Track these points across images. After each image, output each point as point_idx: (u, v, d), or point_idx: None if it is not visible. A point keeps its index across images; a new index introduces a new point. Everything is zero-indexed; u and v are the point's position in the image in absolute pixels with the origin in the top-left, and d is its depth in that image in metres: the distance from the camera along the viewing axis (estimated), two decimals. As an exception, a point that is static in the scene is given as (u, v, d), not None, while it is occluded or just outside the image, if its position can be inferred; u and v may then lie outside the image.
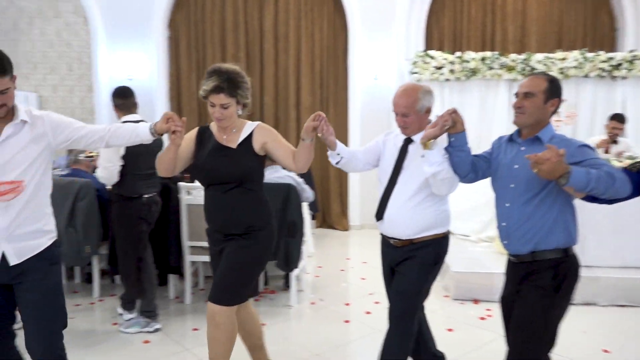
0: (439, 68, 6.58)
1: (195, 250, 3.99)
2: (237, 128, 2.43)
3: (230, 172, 2.36)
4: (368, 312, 3.92)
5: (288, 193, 3.95)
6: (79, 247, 3.98)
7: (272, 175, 4.05)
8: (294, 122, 7.35)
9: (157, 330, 3.56)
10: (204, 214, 2.52)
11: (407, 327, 2.35)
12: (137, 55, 7.20)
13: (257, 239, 2.41)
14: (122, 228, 3.56)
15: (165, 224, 3.97)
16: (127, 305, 3.61)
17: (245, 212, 2.39)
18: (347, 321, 3.80)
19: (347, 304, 4.16)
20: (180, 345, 3.34)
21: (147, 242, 3.68)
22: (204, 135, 2.47)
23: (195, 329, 3.59)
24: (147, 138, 2.21)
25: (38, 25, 7.46)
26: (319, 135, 2.29)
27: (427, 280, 2.38)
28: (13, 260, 2.00)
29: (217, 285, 2.38)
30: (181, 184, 3.95)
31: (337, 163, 2.46)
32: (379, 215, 2.41)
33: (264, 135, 2.42)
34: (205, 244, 3.79)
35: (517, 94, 2.14)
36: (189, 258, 4.00)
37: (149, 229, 3.63)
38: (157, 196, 3.63)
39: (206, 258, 3.98)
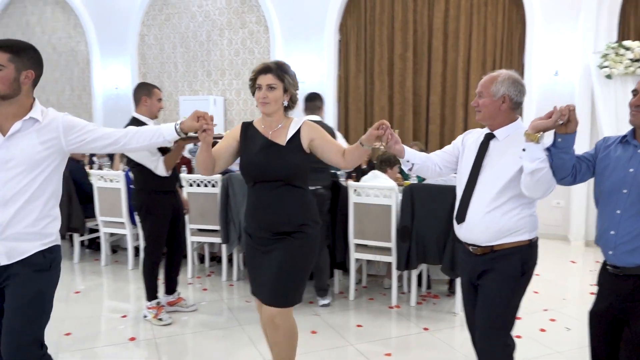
0: (636, 61, 5.75)
1: (360, 248, 4.07)
2: (283, 124, 2.39)
3: (280, 169, 2.32)
4: (542, 330, 3.60)
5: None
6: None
7: (440, 177, 3.95)
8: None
9: (324, 305, 4.02)
10: (250, 211, 2.44)
11: (499, 349, 2.12)
12: (309, 59, 7.62)
13: (309, 238, 2.37)
14: None
15: (334, 220, 4.13)
16: (320, 292, 4.06)
17: (295, 210, 2.36)
18: (518, 336, 3.53)
19: (518, 318, 3.85)
20: (344, 340, 3.44)
21: None
22: (247, 131, 2.43)
23: (359, 325, 3.67)
24: (171, 137, 2.15)
25: (227, 36, 8.33)
26: (382, 145, 2.20)
27: (513, 295, 2.14)
28: (2, 261, 1.93)
29: (274, 287, 2.32)
30: (350, 182, 4.07)
31: (409, 170, 2.37)
32: (460, 217, 2.20)
33: (311, 133, 2.38)
34: (371, 242, 3.98)
35: (635, 91, 1.88)
36: (354, 255, 4.10)
37: None
38: (322, 189, 3.85)
39: (371, 256, 4.05)
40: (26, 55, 1.97)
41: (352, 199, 4.00)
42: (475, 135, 2.29)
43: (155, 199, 3.57)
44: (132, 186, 3.77)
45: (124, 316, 3.87)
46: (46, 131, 1.98)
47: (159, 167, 3.46)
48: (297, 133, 2.37)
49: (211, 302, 4.18)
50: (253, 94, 2.37)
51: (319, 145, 2.37)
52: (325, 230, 4.00)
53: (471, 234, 2.17)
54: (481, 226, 2.12)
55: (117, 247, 5.71)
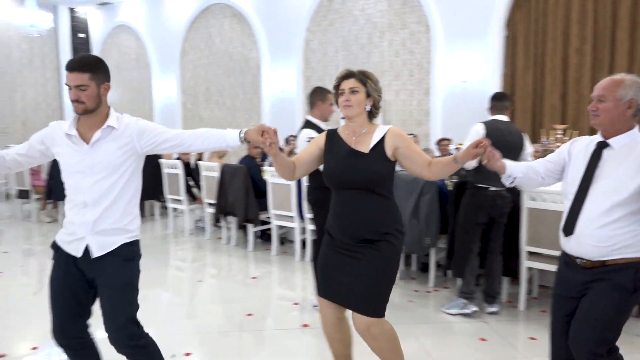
0: None
1: (533, 256, 3.84)
2: (368, 130, 2.36)
3: (363, 177, 2.29)
4: None
5: None
6: (420, 237, 4.35)
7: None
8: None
9: (474, 312, 3.80)
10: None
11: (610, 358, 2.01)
12: (472, 57, 7.37)
13: (392, 246, 2.33)
14: (461, 215, 3.89)
15: (509, 225, 3.96)
16: (488, 299, 3.89)
17: (379, 218, 2.32)
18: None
19: None
20: (516, 350, 3.28)
21: (479, 236, 3.84)
22: (332, 139, 2.43)
23: (533, 338, 3.46)
24: (234, 144, 2.20)
25: (387, 38, 8.44)
26: (484, 162, 2.17)
27: (622, 308, 2.01)
28: (95, 253, 2.17)
29: (367, 297, 2.30)
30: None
31: (510, 184, 2.30)
32: (569, 229, 2.08)
33: (396, 140, 2.32)
34: (547, 251, 3.73)
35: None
36: (526, 263, 3.88)
37: (487, 222, 3.80)
38: (505, 191, 3.71)
39: (544, 266, 3.80)
40: (101, 70, 2.14)
41: (526, 203, 3.78)
42: (583, 144, 2.17)
43: (328, 196, 3.77)
44: (307, 184, 4.02)
45: (296, 304, 4.16)
46: (122, 137, 2.17)
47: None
48: (382, 140, 2.33)
49: (374, 298, 4.28)
50: (337, 102, 2.41)
51: (404, 154, 2.33)
52: (501, 235, 3.88)
53: (580, 247, 2.07)
54: (592, 240, 2.02)
55: (284, 238, 6.15)
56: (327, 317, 2.46)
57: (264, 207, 5.63)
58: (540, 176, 2.29)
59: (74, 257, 2.20)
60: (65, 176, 2.21)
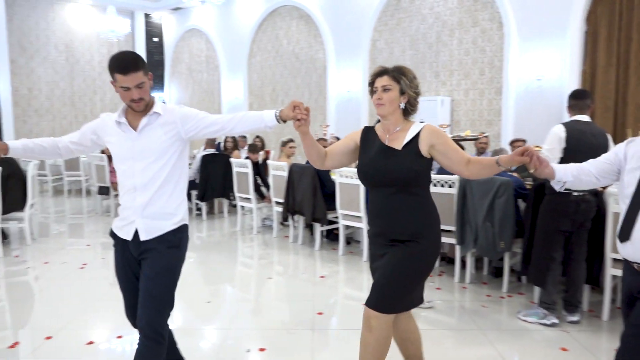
0: None
1: (619, 263, 3.61)
2: (402, 127, 2.31)
3: (395, 174, 2.24)
4: None
5: None
6: (494, 241, 4.21)
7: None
8: None
9: (554, 324, 3.59)
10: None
11: None
12: (548, 54, 7.05)
13: (421, 247, 2.26)
14: (542, 221, 3.70)
15: (592, 230, 3.75)
16: (569, 307, 3.71)
17: (410, 218, 2.26)
18: None
19: None
20: (601, 363, 3.10)
21: (561, 244, 3.65)
22: (367, 135, 2.39)
23: (619, 351, 3.26)
24: (272, 124, 2.21)
25: (457, 36, 8.24)
26: (531, 170, 2.12)
27: None
28: (143, 236, 2.24)
29: (377, 290, 2.29)
30: (610, 190, 3.64)
31: (560, 188, 2.23)
32: (624, 235, 2.01)
33: (431, 137, 2.26)
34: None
35: None
36: (610, 271, 3.66)
37: (571, 229, 3.60)
38: (588, 195, 3.53)
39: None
40: (145, 63, 2.20)
41: (612, 208, 3.57)
42: (638, 145, 2.07)
43: None
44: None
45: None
46: (167, 122, 2.25)
47: None
48: (416, 137, 2.27)
49: (445, 302, 4.19)
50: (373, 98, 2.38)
51: (440, 152, 2.26)
52: (585, 241, 3.68)
53: (637, 253, 1.99)
54: None
55: (350, 238, 6.14)
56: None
57: (331, 207, 5.65)
58: (594, 177, 2.21)
59: (126, 242, 2.29)
60: (117, 163, 2.31)
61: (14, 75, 11.76)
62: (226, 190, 7.66)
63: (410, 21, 8.83)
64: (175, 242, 2.28)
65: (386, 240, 2.32)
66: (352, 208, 5.37)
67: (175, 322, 3.80)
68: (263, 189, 6.92)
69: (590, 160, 2.25)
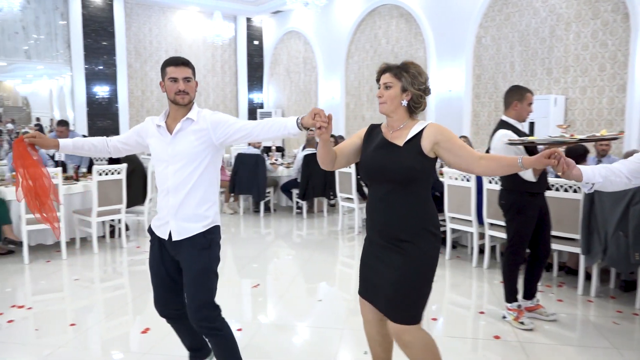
0: None
1: None
2: (406, 125, 2.25)
3: (392, 170, 2.17)
4: None
5: None
6: (626, 252, 3.83)
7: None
8: None
9: None
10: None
11: None
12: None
13: (420, 250, 2.18)
14: None
15: None
16: None
17: (407, 217, 2.18)
18: None
19: None
20: None
21: None
22: (372, 132, 2.36)
23: None
24: (294, 131, 2.23)
25: (574, 29, 7.67)
26: (559, 173, 2.08)
27: None
28: (175, 237, 2.38)
29: (398, 305, 2.19)
30: None
31: (589, 190, 2.20)
32: None
33: (435, 135, 2.17)
34: None
35: None
36: None
37: None
38: None
39: None
40: (194, 68, 2.41)
41: None
42: None
43: (527, 200, 3.51)
44: (500, 187, 3.79)
45: (482, 312, 3.96)
46: (200, 129, 2.36)
47: (527, 174, 3.39)
48: (419, 134, 2.20)
49: (569, 315, 3.89)
50: None
51: (446, 149, 2.18)
52: None
53: None
54: None
55: (456, 243, 5.93)
56: (367, 318, 2.44)
57: (438, 209, 5.48)
58: (625, 177, 2.19)
59: (163, 240, 2.44)
60: (155, 165, 2.46)
61: (130, 79, 12.72)
62: (327, 190, 7.72)
63: (521, 15, 8.36)
64: (205, 244, 2.39)
65: (384, 239, 2.25)
66: (461, 211, 5.17)
67: (280, 317, 3.88)
68: (365, 189, 6.89)
69: (621, 160, 2.24)
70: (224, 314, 2.47)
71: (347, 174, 6.67)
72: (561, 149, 2.14)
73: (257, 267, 5.35)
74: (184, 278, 2.42)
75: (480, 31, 8.98)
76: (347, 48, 11.79)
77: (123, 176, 5.73)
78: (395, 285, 2.20)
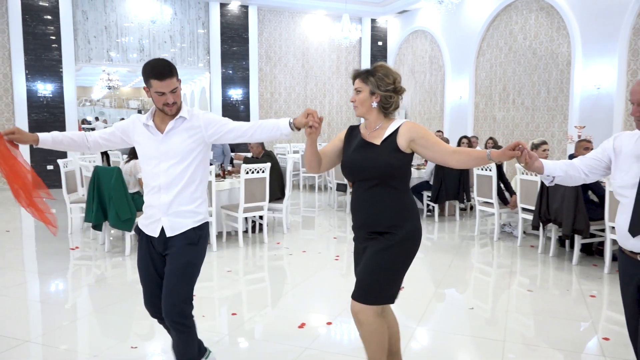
0: None
1: None
2: (382, 125, 2.39)
3: (371, 168, 2.33)
4: None
5: None
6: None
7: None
8: None
9: None
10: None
11: None
12: None
13: (396, 238, 2.33)
14: None
15: None
16: None
17: (388, 211, 2.34)
18: None
19: None
20: None
21: None
22: (351, 133, 2.50)
23: None
24: (287, 131, 2.32)
25: None
26: (522, 164, 2.21)
27: None
28: (168, 233, 2.41)
29: (361, 283, 2.36)
30: None
31: (550, 183, 2.34)
32: (637, 229, 2.02)
33: (410, 132, 2.34)
34: None
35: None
36: None
37: None
38: None
39: None
40: (176, 70, 2.37)
41: None
42: (628, 140, 2.17)
43: None
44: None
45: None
46: (192, 127, 2.40)
47: None
48: (395, 133, 2.35)
49: None
50: None
51: (422, 145, 2.34)
52: None
53: None
54: None
55: (616, 255, 5.39)
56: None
57: (597, 216, 5.02)
58: (583, 173, 2.31)
59: (151, 238, 2.47)
60: (143, 163, 2.47)
61: (260, 82, 13.37)
62: (460, 193, 7.46)
63: (690, 2, 7.39)
64: (194, 239, 2.44)
65: (366, 232, 2.40)
66: (625, 221, 4.67)
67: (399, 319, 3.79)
68: (506, 193, 6.54)
69: (580, 157, 2.36)
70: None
71: (487, 177, 6.37)
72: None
73: None
74: (166, 270, 2.43)
75: (639, 22, 8.09)
76: (478, 45, 11.31)
77: (267, 175, 6.00)
78: (367, 265, 2.35)
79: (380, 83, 2.34)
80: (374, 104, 2.38)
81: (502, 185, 6.58)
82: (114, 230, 6.21)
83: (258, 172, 5.93)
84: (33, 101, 10.98)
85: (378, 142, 2.36)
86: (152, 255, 2.50)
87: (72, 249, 5.94)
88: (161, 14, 11.79)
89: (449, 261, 5.52)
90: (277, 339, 3.47)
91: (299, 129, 2.31)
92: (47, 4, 10.95)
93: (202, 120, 2.44)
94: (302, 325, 3.64)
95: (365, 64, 14.53)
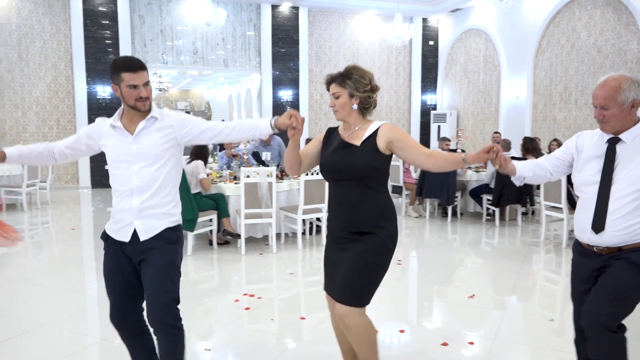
0: None
1: None
2: (362, 127, 2.42)
3: (350, 168, 2.34)
4: None
5: None
6: None
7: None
8: None
9: None
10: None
11: (617, 335, 2.12)
12: None
13: (379, 240, 2.35)
14: None
15: None
16: None
17: (368, 211, 2.36)
18: None
19: None
20: None
21: None
22: (330, 135, 2.52)
23: None
24: (266, 132, 2.28)
25: None
26: (496, 167, 2.30)
27: (638, 287, 2.15)
28: (142, 236, 2.29)
29: (344, 285, 2.35)
30: None
31: (521, 183, 2.47)
32: (600, 226, 2.18)
33: (389, 134, 2.36)
34: None
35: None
36: None
37: None
38: None
39: None
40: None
41: None
42: (589, 139, 2.29)
43: None
44: None
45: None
46: (164, 127, 2.30)
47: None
48: (374, 134, 2.37)
49: None
50: None
51: (399, 147, 2.36)
52: None
53: (600, 238, 2.19)
54: (613, 229, 2.15)
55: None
56: (332, 311, 2.51)
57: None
58: (548, 172, 2.41)
59: (121, 244, 2.33)
60: (111, 166, 2.33)
61: (310, 83, 13.36)
62: (523, 197, 7.17)
63: None
64: (173, 239, 2.33)
65: (346, 232, 2.40)
66: None
67: (445, 325, 3.60)
68: (576, 197, 6.21)
69: (545, 156, 2.46)
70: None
71: (555, 181, 6.07)
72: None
73: (440, 272, 5.13)
74: (146, 274, 2.27)
75: None
76: (537, 44, 10.90)
77: (326, 176, 5.92)
78: (346, 269, 2.35)
79: (358, 85, 2.37)
80: (355, 106, 2.40)
81: (571, 189, 6.27)
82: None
83: (317, 173, 5.87)
84: (93, 103, 11.36)
85: (358, 143, 2.38)
86: (121, 262, 2.35)
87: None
88: (216, 17, 11.96)
89: (517, 268, 5.28)
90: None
91: (279, 130, 2.29)
92: (106, 9, 11.30)
93: (175, 120, 2.34)
94: (445, 344, 3.40)
95: (416, 64, 14.29)
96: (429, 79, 14.54)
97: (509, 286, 4.74)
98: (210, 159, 7.59)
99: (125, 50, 11.40)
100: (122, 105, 2.32)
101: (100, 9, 11.26)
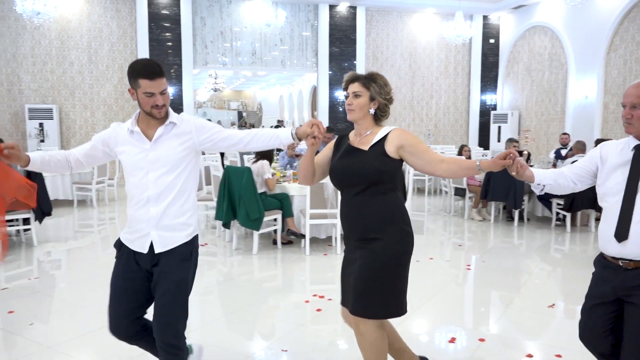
0: None
1: None
2: (372, 132, 2.39)
3: (358, 173, 2.30)
4: None
5: None
6: None
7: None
8: None
9: None
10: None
11: None
12: None
13: (383, 244, 2.28)
14: None
15: None
16: None
17: (375, 216, 2.30)
18: None
19: None
20: None
21: None
22: (340, 142, 2.49)
23: None
24: (287, 141, 2.27)
25: None
26: (513, 174, 2.24)
27: None
28: (158, 249, 2.24)
29: (354, 295, 2.30)
30: None
31: (540, 191, 2.37)
32: (623, 235, 2.08)
33: (399, 139, 2.32)
34: None
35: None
36: None
37: None
38: None
39: None
40: (165, 71, 2.25)
41: None
42: (613, 148, 2.22)
43: None
44: None
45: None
46: (182, 133, 2.25)
47: None
48: (384, 139, 2.33)
49: None
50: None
51: (410, 152, 2.31)
52: None
53: (631, 249, 2.08)
54: (638, 239, 2.05)
55: None
56: (350, 325, 2.45)
57: None
58: (572, 181, 2.33)
59: (134, 254, 2.28)
60: (128, 174, 2.27)
61: (367, 83, 13.22)
62: (597, 202, 6.78)
63: None
64: (187, 255, 2.29)
65: (355, 239, 2.36)
66: None
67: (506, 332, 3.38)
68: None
69: (569, 166, 2.40)
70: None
71: (636, 185, 5.71)
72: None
73: (503, 279, 4.94)
74: (158, 289, 2.25)
75: None
76: (608, 40, 10.34)
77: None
78: (355, 277, 2.31)
79: (382, 91, 2.36)
80: (372, 110, 2.38)
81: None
82: (237, 229, 6.37)
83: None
84: (156, 103, 11.70)
85: (366, 147, 2.36)
86: (133, 272, 2.31)
87: (201, 245, 6.16)
88: (276, 18, 12.06)
89: (583, 275, 4.97)
90: (432, 354, 3.27)
91: (300, 140, 2.27)
92: (169, 12, 11.63)
93: (193, 125, 2.29)
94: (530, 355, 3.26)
95: (476, 63, 13.90)
96: (489, 78, 14.11)
97: (573, 293, 4.47)
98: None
99: (187, 51, 11.69)
100: (139, 110, 2.29)
101: (164, 12, 11.60)
